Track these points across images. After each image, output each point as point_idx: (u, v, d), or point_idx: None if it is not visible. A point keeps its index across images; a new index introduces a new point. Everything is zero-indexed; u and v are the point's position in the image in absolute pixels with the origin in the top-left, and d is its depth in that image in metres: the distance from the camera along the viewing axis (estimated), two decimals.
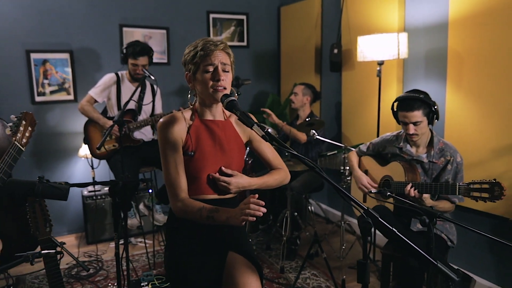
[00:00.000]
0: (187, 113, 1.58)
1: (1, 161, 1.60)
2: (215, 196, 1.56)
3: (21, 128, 1.71)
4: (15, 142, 1.66)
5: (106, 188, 3.69)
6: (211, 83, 1.46)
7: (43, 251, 1.34)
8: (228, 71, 1.49)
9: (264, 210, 1.30)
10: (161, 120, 1.54)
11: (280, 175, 1.68)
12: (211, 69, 1.46)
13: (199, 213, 1.44)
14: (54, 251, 1.48)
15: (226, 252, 1.56)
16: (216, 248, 1.57)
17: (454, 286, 2.02)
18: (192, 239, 1.57)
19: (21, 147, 1.68)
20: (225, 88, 1.47)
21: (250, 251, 1.59)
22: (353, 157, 2.54)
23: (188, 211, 1.47)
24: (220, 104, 1.52)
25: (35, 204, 1.84)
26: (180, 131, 1.52)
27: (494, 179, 1.81)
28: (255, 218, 1.30)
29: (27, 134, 1.74)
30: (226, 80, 1.47)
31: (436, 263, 1.26)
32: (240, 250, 1.56)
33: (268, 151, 1.71)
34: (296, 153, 1.22)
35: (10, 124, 1.70)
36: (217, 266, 1.54)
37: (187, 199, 1.50)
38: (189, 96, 1.59)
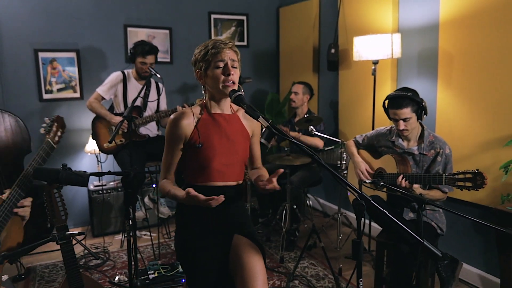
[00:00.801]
0: (196, 109, 1.73)
1: (36, 155, 1.86)
2: (222, 183, 1.71)
3: (54, 129, 1.99)
4: (48, 139, 1.94)
5: (112, 183, 3.82)
6: (222, 77, 1.60)
7: (68, 232, 1.46)
8: (236, 67, 1.64)
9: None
10: (172, 116, 1.70)
11: (265, 171, 1.89)
12: (221, 65, 1.60)
13: (167, 194, 1.67)
14: (77, 232, 1.62)
15: (232, 234, 1.70)
16: (222, 231, 1.71)
17: (442, 266, 2.17)
18: (200, 223, 1.71)
19: (53, 144, 1.95)
20: (233, 83, 1.61)
21: (253, 234, 1.73)
22: (352, 145, 2.67)
23: (161, 189, 1.71)
24: (228, 99, 1.67)
25: (52, 193, 1.98)
26: (186, 126, 1.67)
27: (477, 169, 1.95)
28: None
29: (58, 134, 2.02)
30: (235, 75, 1.62)
31: (422, 241, 1.40)
32: (244, 232, 1.71)
33: (258, 149, 1.90)
34: (296, 141, 1.36)
35: (44, 125, 1.99)
36: (224, 247, 1.68)
37: (165, 181, 1.72)
38: (203, 92, 1.73)
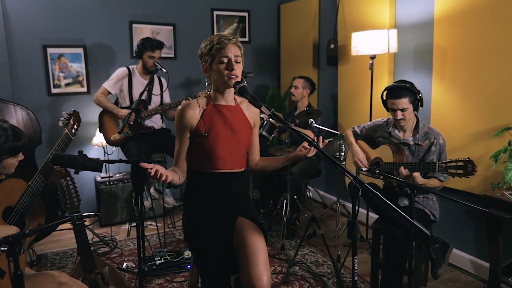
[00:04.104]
0: (202, 100, 1.85)
1: (57, 144, 2.01)
2: (226, 170, 1.83)
3: (71, 122, 2.13)
4: (67, 131, 2.08)
5: (118, 175, 3.95)
6: (226, 72, 1.72)
7: (84, 213, 1.58)
8: (239, 62, 1.76)
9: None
10: (179, 106, 1.83)
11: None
12: (225, 60, 1.72)
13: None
14: (93, 213, 1.74)
15: (236, 217, 1.83)
16: (227, 214, 1.83)
17: (433, 249, 2.29)
18: (206, 206, 1.83)
19: (71, 136, 2.10)
20: (237, 76, 1.73)
21: (256, 216, 1.86)
22: (350, 135, 2.77)
23: None
24: (231, 91, 1.79)
25: (66, 180, 2.11)
26: (192, 116, 1.79)
27: (468, 158, 2.07)
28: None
29: (75, 127, 2.18)
30: (238, 69, 1.74)
31: (413, 221, 1.52)
32: (247, 215, 1.83)
33: (257, 140, 2.01)
34: (295, 127, 1.48)
35: (62, 118, 2.14)
36: (228, 228, 1.81)
37: (171, 168, 1.83)
38: (206, 84, 1.86)
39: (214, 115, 1.81)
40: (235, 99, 1.89)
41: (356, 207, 1.52)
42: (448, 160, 2.14)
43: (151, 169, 1.56)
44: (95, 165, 1.68)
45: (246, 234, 1.75)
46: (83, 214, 1.57)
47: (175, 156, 1.85)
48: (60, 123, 2.09)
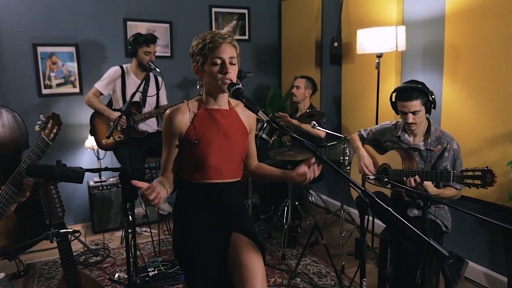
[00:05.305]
0: (193, 104, 1.67)
1: (31, 151, 1.83)
2: (219, 180, 1.65)
3: (49, 126, 1.97)
4: (43, 136, 1.92)
5: (112, 179, 3.79)
6: (219, 76, 1.54)
7: (62, 230, 1.42)
8: (234, 64, 1.58)
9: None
10: (167, 111, 1.66)
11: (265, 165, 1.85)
12: (218, 61, 1.54)
13: None
14: (72, 229, 1.58)
15: (230, 232, 1.65)
16: (220, 229, 1.66)
17: (447, 265, 2.11)
18: (198, 220, 1.66)
19: (48, 141, 1.94)
20: (231, 80, 1.55)
21: (253, 232, 1.68)
22: (357, 138, 2.60)
23: None
24: (225, 94, 1.62)
25: (48, 190, 1.95)
26: (181, 122, 1.62)
27: (486, 167, 1.89)
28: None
29: (54, 131, 2.01)
30: (233, 72, 1.56)
31: (428, 240, 1.35)
32: (243, 230, 1.66)
33: (254, 144, 1.84)
34: (296, 136, 1.31)
35: (39, 122, 1.97)
36: (222, 245, 1.63)
37: (158, 179, 1.65)
38: (198, 87, 1.68)
39: (206, 120, 1.63)
40: (229, 102, 1.71)
41: (365, 224, 1.37)
42: (464, 169, 1.96)
43: (144, 190, 1.37)
44: (75, 175, 1.52)
45: (242, 253, 1.58)
46: (61, 230, 1.41)
47: (162, 166, 1.69)
48: (37, 127, 1.94)
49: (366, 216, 1.36)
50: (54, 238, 1.28)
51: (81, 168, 1.60)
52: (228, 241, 1.64)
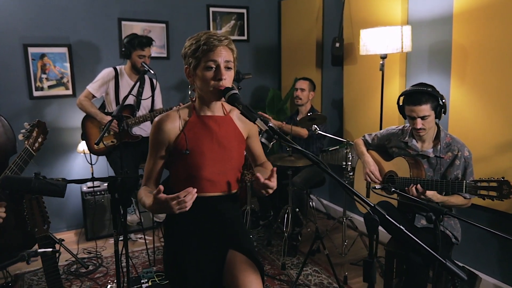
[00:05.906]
0: (184, 111, 1.54)
1: (12, 163, 1.70)
2: (214, 194, 1.52)
3: (34, 134, 1.85)
4: (27, 146, 1.79)
5: (106, 184, 3.65)
6: (212, 82, 1.41)
7: (39, 250, 1.29)
8: (230, 68, 1.44)
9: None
10: (156, 118, 1.54)
11: (270, 164, 1.74)
12: (212, 65, 1.41)
13: (140, 202, 1.46)
14: (50, 249, 1.45)
15: (226, 249, 1.53)
16: (215, 245, 1.53)
17: (459, 282, 1.99)
18: (191, 235, 1.53)
19: (32, 152, 1.81)
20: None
21: (251, 249, 1.55)
22: (361, 143, 2.48)
23: (139, 198, 1.49)
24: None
25: (33, 201, 1.81)
26: (171, 130, 1.49)
27: (503, 177, 1.76)
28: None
29: (39, 140, 1.88)
30: (228, 78, 1.42)
31: (445, 261, 1.22)
32: (240, 248, 1.53)
33: (259, 146, 1.73)
34: (300, 148, 1.18)
35: (23, 130, 1.84)
36: (217, 263, 1.51)
37: (143, 188, 1.53)
38: (189, 92, 1.55)
39: (199, 128, 1.50)
40: (223, 107, 1.58)
41: (374, 244, 1.24)
42: (478, 179, 1.83)
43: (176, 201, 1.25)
44: (55, 189, 1.38)
45: (239, 273, 1.45)
46: (39, 250, 1.28)
47: (145, 175, 1.55)
48: (20, 136, 1.81)
49: (376, 236, 1.24)
50: (29, 260, 1.15)
51: (64, 179, 1.47)
52: (224, 259, 1.51)
